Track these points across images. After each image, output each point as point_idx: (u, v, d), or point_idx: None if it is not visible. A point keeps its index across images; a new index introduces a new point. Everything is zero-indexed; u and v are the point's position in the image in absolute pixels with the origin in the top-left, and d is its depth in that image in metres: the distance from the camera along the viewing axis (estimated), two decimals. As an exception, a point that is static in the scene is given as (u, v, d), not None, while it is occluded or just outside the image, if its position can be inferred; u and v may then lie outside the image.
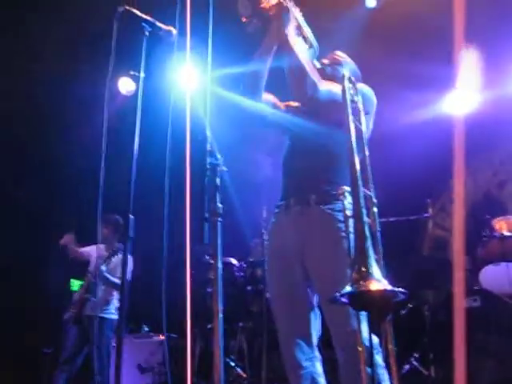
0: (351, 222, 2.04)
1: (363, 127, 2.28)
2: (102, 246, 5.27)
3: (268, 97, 2.78)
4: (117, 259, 5.07)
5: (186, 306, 2.15)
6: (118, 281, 4.97)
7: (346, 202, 2.20)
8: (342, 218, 2.37)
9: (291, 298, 2.61)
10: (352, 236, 2.05)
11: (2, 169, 5.94)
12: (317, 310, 2.63)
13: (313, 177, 2.61)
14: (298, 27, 2.65)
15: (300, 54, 2.52)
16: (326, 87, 2.58)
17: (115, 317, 5.14)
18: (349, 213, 2.09)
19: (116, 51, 2.56)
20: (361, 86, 2.65)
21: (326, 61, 2.87)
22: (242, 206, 5.60)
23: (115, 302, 5.22)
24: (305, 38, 2.70)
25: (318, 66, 2.76)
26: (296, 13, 2.62)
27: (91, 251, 5.35)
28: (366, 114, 2.56)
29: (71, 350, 5.07)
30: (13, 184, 6.15)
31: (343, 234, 2.34)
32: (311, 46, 2.75)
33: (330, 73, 2.79)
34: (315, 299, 2.63)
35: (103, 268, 5.08)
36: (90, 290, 5.16)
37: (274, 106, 2.81)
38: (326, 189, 2.56)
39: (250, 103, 2.68)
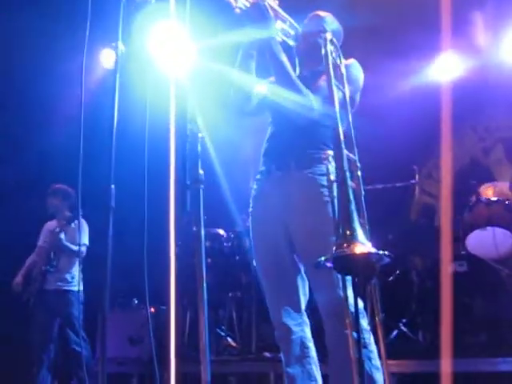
0: (335, 186, 2.02)
1: (346, 91, 2.25)
2: (52, 222, 5.16)
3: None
4: (72, 229, 4.96)
5: (170, 276, 2.13)
6: (80, 249, 4.84)
7: (329, 166, 2.18)
8: (324, 183, 2.36)
9: (277, 266, 2.60)
10: (336, 201, 2.04)
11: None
12: (304, 276, 2.63)
13: (294, 141, 2.58)
14: (278, 15, 2.58)
15: (286, 65, 2.50)
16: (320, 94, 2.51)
17: (81, 288, 4.86)
18: (333, 177, 2.07)
19: (96, 21, 2.49)
20: (349, 63, 2.59)
21: (308, 34, 2.74)
22: (229, 178, 5.58)
23: (79, 274, 5.01)
24: (285, 23, 2.64)
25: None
26: (275, 6, 2.55)
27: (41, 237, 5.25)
28: (353, 92, 2.56)
29: (42, 335, 4.87)
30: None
31: (326, 198, 2.32)
32: (292, 28, 2.68)
33: (313, 42, 2.72)
34: (301, 265, 2.63)
35: (62, 237, 4.89)
36: (48, 261, 4.94)
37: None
38: (308, 152, 2.53)
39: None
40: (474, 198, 5.05)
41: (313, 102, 2.47)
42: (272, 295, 2.63)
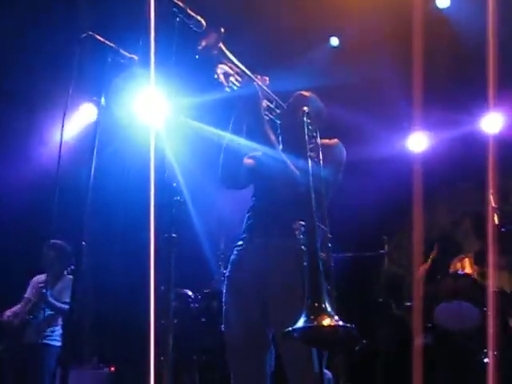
0: (305, 256, 2.05)
1: (321, 163, 2.30)
2: (41, 276, 5.10)
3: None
4: (61, 285, 4.94)
5: (150, 337, 2.10)
6: (63, 306, 4.80)
7: (301, 237, 2.21)
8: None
9: (246, 340, 2.57)
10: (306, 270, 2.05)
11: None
12: (272, 349, 2.61)
13: (279, 214, 2.62)
14: (266, 96, 2.68)
15: (272, 139, 2.56)
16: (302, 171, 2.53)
17: (59, 344, 4.84)
18: (303, 247, 2.09)
19: (79, 77, 2.54)
20: (332, 143, 2.68)
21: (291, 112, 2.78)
22: (205, 236, 5.58)
23: (59, 329, 4.96)
24: (272, 102, 2.73)
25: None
26: (263, 86, 2.65)
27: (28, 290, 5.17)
28: (334, 172, 2.63)
29: None
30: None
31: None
32: (278, 107, 2.77)
33: (295, 119, 2.79)
34: (270, 337, 2.61)
35: (47, 292, 4.81)
36: (31, 312, 4.87)
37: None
38: (288, 224, 2.56)
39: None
40: (441, 272, 5.10)
41: (297, 177, 2.51)
42: (237, 367, 2.60)
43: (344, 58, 5.50)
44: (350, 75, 5.31)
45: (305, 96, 2.85)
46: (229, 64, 2.49)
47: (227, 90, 2.48)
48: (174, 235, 1.80)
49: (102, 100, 2.46)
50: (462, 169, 6.17)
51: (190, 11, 2.30)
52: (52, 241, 5.07)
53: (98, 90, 2.47)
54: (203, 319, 4.99)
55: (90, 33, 2.52)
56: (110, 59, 2.51)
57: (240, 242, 2.74)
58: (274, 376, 2.60)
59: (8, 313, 4.99)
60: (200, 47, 2.40)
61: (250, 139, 2.71)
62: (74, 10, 4.84)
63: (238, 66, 2.53)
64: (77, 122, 5.45)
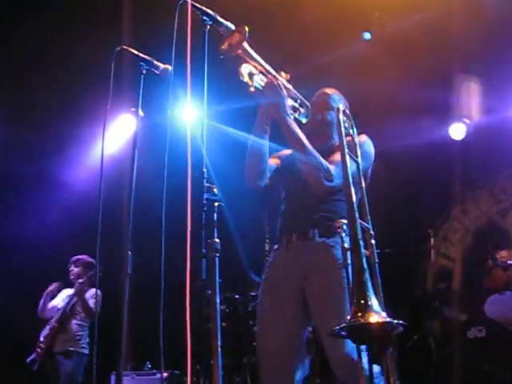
0: (349, 254, 2.04)
1: (359, 160, 2.29)
2: (69, 289, 5.39)
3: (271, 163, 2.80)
4: (88, 296, 5.21)
5: (187, 342, 2.13)
6: (94, 309, 5.03)
7: (343, 235, 2.20)
8: (339, 251, 2.37)
9: (281, 337, 2.56)
10: (350, 268, 2.05)
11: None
12: (306, 353, 2.63)
13: (312, 211, 2.63)
14: (289, 93, 2.65)
15: (303, 138, 2.56)
16: (336, 166, 2.55)
17: (87, 351, 5.11)
18: (346, 245, 2.09)
19: (116, 89, 2.60)
20: (361, 140, 2.63)
21: (317, 111, 2.79)
22: (244, 239, 5.59)
23: (86, 338, 5.20)
24: (296, 101, 2.71)
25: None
26: (287, 85, 2.63)
27: (57, 299, 5.41)
28: (366, 168, 2.60)
29: None
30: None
31: (340, 266, 2.34)
32: (303, 106, 2.75)
33: (325, 120, 2.80)
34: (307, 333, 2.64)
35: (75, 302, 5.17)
36: (61, 322, 5.13)
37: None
38: (327, 223, 2.57)
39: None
40: (490, 263, 4.99)
41: (331, 172, 2.53)
42: (269, 368, 2.60)
43: (377, 52, 5.44)
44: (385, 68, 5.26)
45: (328, 94, 2.85)
46: (253, 63, 2.48)
47: (252, 89, 2.48)
48: (216, 240, 1.82)
49: (140, 111, 2.51)
50: (506, 157, 6.03)
51: (220, 18, 2.32)
52: (76, 257, 5.33)
53: (135, 101, 2.52)
54: (250, 322, 5.00)
55: (124, 46, 2.58)
56: (144, 71, 2.57)
57: (276, 246, 2.74)
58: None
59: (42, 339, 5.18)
60: (223, 47, 2.39)
61: (276, 139, 2.71)
62: (108, 25, 4.93)
63: (261, 65, 2.52)
64: (117, 133, 5.57)
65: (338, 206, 2.60)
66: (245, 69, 2.46)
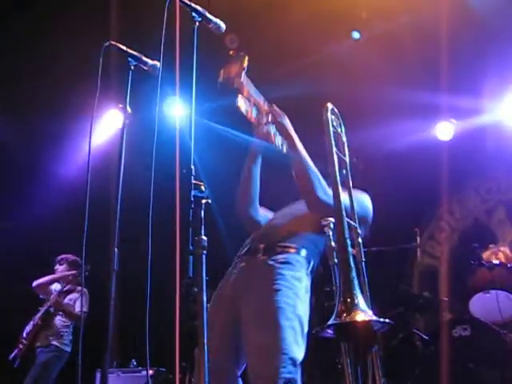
0: (335, 253, 2.04)
1: (347, 159, 2.30)
2: (57, 285, 5.42)
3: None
4: (73, 296, 5.29)
5: (175, 340, 2.13)
6: (76, 313, 5.13)
7: (330, 234, 2.20)
8: (283, 272, 2.38)
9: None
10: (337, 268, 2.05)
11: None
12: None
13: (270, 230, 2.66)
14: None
15: (305, 154, 2.52)
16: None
17: (69, 349, 5.14)
18: (333, 244, 2.09)
19: (104, 85, 2.58)
20: (358, 196, 2.54)
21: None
22: (231, 238, 5.59)
23: (69, 335, 5.22)
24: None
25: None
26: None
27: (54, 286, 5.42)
28: (363, 223, 2.51)
29: None
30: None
31: (279, 287, 2.34)
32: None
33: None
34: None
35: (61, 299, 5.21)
36: (45, 318, 5.15)
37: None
38: (276, 239, 2.54)
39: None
40: (475, 262, 5.03)
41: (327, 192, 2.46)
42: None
43: (366, 51, 5.46)
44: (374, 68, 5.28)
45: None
46: (247, 95, 2.44)
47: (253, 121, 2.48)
48: (203, 237, 1.82)
49: (127, 107, 2.49)
50: (491, 157, 6.08)
51: (209, 15, 2.31)
52: (62, 256, 5.32)
53: (123, 97, 2.50)
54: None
55: (112, 42, 2.56)
56: (132, 67, 2.55)
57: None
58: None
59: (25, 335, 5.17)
60: (221, 78, 2.35)
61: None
62: (97, 20, 4.91)
63: (255, 99, 2.48)
64: (105, 129, 5.55)
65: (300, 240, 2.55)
66: (241, 100, 2.42)
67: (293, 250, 2.43)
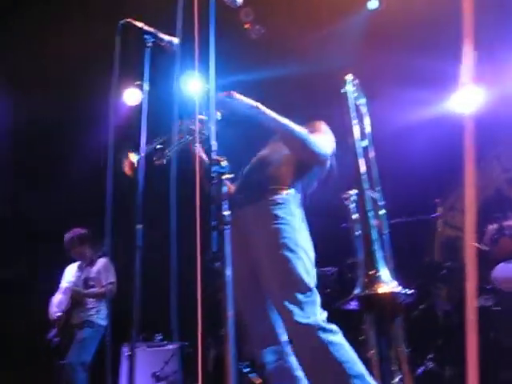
0: (358, 226, 2.05)
1: (367, 129, 2.28)
2: (74, 265, 5.33)
3: None
4: (96, 268, 5.16)
5: (198, 314, 2.16)
6: (100, 290, 5.05)
7: (352, 206, 2.20)
8: (277, 212, 2.54)
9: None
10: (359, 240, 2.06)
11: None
12: None
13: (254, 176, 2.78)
14: None
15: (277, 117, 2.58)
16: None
17: (104, 323, 5.06)
18: (355, 216, 2.09)
19: (121, 63, 2.58)
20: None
21: None
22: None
23: (104, 310, 5.14)
24: None
25: None
26: None
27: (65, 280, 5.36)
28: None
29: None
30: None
31: (276, 226, 2.50)
32: None
33: None
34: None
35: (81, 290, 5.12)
36: (75, 301, 5.09)
37: None
38: (263, 185, 2.68)
39: None
40: (497, 231, 4.99)
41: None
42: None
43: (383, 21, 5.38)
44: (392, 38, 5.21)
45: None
46: None
47: None
48: (226, 212, 1.83)
49: (145, 84, 2.50)
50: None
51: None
52: (68, 235, 5.25)
53: (141, 75, 2.51)
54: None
55: (128, 19, 2.56)
56: (149, 44, 2.55)
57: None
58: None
59: (55, 309, 5.18)
60: None
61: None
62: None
63: None
64: (123, 107, 5.56)
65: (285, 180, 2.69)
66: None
67: (281, 191, 2.59)
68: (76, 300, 5.06)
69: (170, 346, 5.41)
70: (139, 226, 2.08)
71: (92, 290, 5.09)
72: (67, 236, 5.26)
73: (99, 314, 5.10)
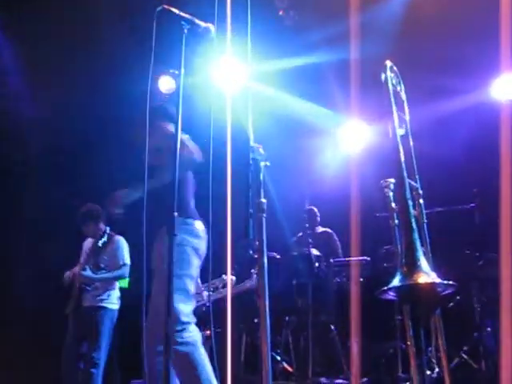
0: (397, 215, 2.01)
1: (407, 117, 2.24)
2: (90, 241, 5.16)
3: None
4: (111, 247, 4.99)
5: (228, 302, 2.16)
6: (113, 274, 4.94)
7: (390, 194, 2.16)
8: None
9: None
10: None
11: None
12: None
13: None
14: None
15: None
16: None
17: (116, 307, 4.97)
18: (394, 205, 2.06)
19: (157, 50, 2.58)
20: None
21: None
22: (282, 201, 5.60)
23: (116, 292, 5.04)
24: None
25: None
26: None
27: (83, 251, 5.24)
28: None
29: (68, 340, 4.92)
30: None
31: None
32: None
33: None
34: None
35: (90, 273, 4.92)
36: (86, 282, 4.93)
37: None
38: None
39: None
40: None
41: None
42: None
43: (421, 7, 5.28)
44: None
45: None
46: None
47: None
48: (263, 200, 1.81)
49: (182, 70, 2.49)
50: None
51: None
52: (80, 213, 5.07)
53: (177, 61, 2.50)
54: (293, 281, 5.04)
55: (165, 6, 2.55)
56: (186, 30, 2.53)
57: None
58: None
59: (68, 273, 5.08)
60: None
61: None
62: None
63: None
64: (160, 93, 5.57)
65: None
66: None
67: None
68: (85, 284, 4.92)
69: (203, 333, 5.41)
70: (175, 214, 2.08)
71: (103, 275, 4.93)
72: (80, 212, 5.11)
73: (111, 299, 4.99)
